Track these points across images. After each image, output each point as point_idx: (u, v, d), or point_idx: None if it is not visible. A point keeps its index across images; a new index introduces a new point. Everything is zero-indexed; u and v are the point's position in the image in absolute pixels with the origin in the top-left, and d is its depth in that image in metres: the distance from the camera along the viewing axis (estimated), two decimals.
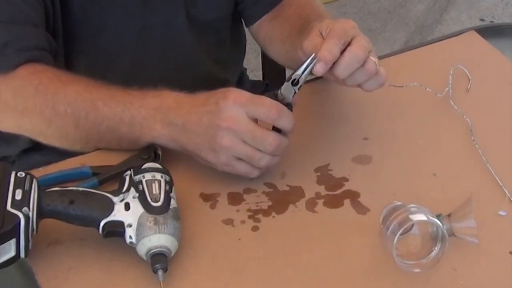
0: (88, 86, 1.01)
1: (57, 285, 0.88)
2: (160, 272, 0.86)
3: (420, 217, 0.88)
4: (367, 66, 0.97)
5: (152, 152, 0.99)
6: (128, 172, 0.93)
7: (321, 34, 0.99)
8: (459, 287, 0.89)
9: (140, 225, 0.88)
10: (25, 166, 0.99)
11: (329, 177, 1.03)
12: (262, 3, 1.26)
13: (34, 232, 0.87)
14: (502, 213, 0.98)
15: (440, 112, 1.13)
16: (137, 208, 0.89)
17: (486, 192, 1.00)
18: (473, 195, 0.91)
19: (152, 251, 0.87)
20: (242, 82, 1.41)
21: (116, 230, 0.88)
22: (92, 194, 0.91)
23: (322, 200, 0.99)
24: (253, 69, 1.97)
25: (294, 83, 0.96)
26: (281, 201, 0.99)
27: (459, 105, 1.12)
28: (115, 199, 0.90)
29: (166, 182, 0.92)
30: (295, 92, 0.97)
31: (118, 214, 0.89)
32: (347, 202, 0.99)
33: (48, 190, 0.89)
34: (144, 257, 0.88)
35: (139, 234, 0.87)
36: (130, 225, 0.88)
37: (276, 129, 0.96)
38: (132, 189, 0.91)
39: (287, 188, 1.01)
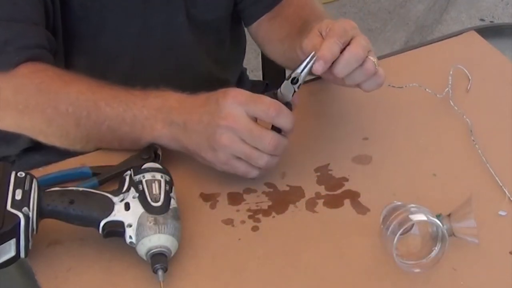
0: (90, 86, 1.02)
1: (57, 285, 0.88)
2: (160, 272, 0.86)
3: (420, 217, 0.88)
4: (366, 66, 0.97)
5: (152, 152, 0.99)
6: (128, 172, 0.93)
7: (321, 34, 0.99)
8: (459, 287, 0.89)
9: (140, 225, 0.88)
10: (25, 166, 0.99)
11: (329, 177, 1.03)
12: (261, 3, 1.26)
13: (34, 232, 0.87)
14: (502, 213, 0.98)
15: (440, 112, 1.13)
16: (137, 208, 0.89)
17: (486, 192, 1.00)
18: (473, 195, 0.91)
19: (152, 251, 0.87)
20: (242, 82, 1.42)
21: (116, 230, 0.88)
22: (92, 194, 0.91)
23: (322, 200, 0.99)
24: (253, 69, 1.97)
25: (294, 81, 0.96)
26: (281, 201, 0.99)
27: (459, 105, 1.12)
28: (115, 199, 0.90)
29: (166, 182, 0.92)
30: (294, 91, 0.96)
31: (118, 214, 0.89)
32: (347, 202, 0.99)
33: (48, 190, 0.89)
34: (144, 257, 0.88)
35: (139, 234, 0.87)
36: (130, 225, 0.88)
37: (276, 129, 0.96)
38: (132, 189, 0.91)
39: (287, 188, 1.01)
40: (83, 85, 1.02)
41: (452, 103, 1.13)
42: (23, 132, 1.05)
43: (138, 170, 0.93)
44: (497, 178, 1.02)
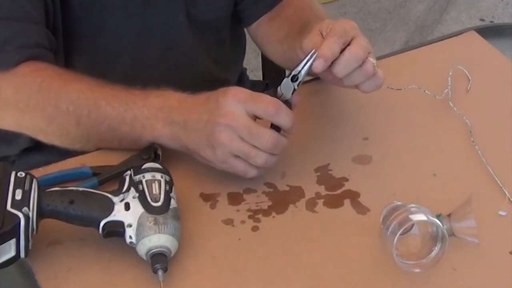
0: (91, 85, 1.02)
1: (57, 285, 0.88)
2: (160, 272, 0.86)
3: (420, 217, 0.88)
4: (365, 67, 0.97)
5: (152, 152, 0.99)
6: (128, 172, 0.93)
7: (321, 34, 0.99)
8: (459, 287, 0.89)
9: (140, 225, 0.88)
10: (25, 166, 0.99)
11: (329, 177, 1.03)
12: (261, 3, 1.26)
13: (34, 232, 0.87)
14: (502, 213, 0.98)
15: (439, 113, 1.13)
16: (137, 208, 0.89)
17: (486, 192, 1.00)
18: (473, 195, 0.91)
19: (152, 251, 0.87)
20: (242, 82, 1.42)
21: (116, 230, 0.88)
22: (92, 194, 0.91)
23: (322, 200, 0.99)
24: (253, 69, 1.97)
25: (294, 79, 0.96)
26: (281, 201, 0.99)
27: (459, 106, 1.12)
28: (115, 199, 0.90)
29: (166, 182, 0.92)
30: (294, 89, 0.96)
31: (118, 214, 0.89)
32: (347, 202, 0.99)
33: (48, 190, 0.89)
34: (144, 257, 0.88)
35: (139, 234, 0.87)
36: (130, 225, 0.88)
37: (275, 128, 0.96)
38: (132, 189, 0.91)
39: (287, 188, 1.01)
40: (84, 84, 1.02)
41: (451, 104, 1.13)
42: (24, 131, 1.05)
43: (138, 170, 0.93)
44: (497, 178, 1.02)
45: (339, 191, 1.01)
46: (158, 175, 0.92)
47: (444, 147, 1.08)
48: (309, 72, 0.97)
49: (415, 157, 1.06)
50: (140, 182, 0.91)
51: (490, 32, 1.30)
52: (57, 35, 1.12)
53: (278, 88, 0.96)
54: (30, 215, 0.85)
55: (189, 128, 0.96)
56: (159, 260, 0.87)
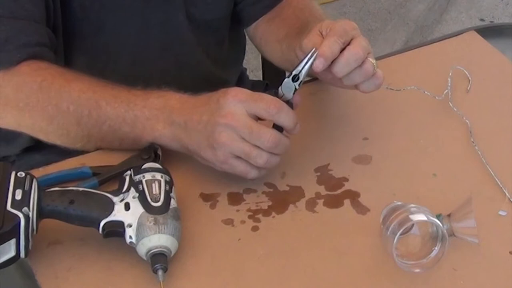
0: (92, 85, 1.02)
1: (57, 285, 0.88)
2: (160, 272, 0.86)
3: (420, 217, 0.88)
4: (364, 67, 0.97)
5: (152, 152, 0.99)
6: (128, 172, 0.93)
7: (321, 34, 0.99)
8: (459, 287, 0.89)
9: (140, 225, 0.88)
10: (25, 166, 0.99)
11: (329, 177, 1.03)
12: (260, 3, 1.26)
13: (34, 232, 0.87)
14: (502, 213, 0.98)
15: (439, 113, 1.13)
16: (137, 208, 0.89)
17: (486, 192, 1.00)
18: (473, 195, 0.91)
19: (152, 251, 0.87)
20: (242, 82, 1.42)
21: (116, 230, 0.88)
22: (92, 194, 0.91)
23: (322, 200, 0.99)
24: (253, 69, 1.97)
25: (295, 79, 0.96)
26: (281, 201, 0.99)
27: (459, 106, 1.12)
28: (115, 199, 0.90)
29: (166, 182, 0.92)
30: (295, 89, 0.96)
31: (118, 214, 0.89)
32: (347, 202, 0.99)
33: (48, 190, 0.89)
34: (144, 257, 0.88)
35: (139, 234, 0.87)
36: (130, 225, 0.88)
37: (277, 128, 0.96)
38: (132, 189, 0.91)
39: (287, 188, 1.01)
40: (85, 83, 1.02)
41: (451, 105, 1.13)
42: (23, 130, 1.05)
43: (138, 170, 0.93)
44: (497, 179, 1.02)
45: (339, 191, 1.01)
46: (158, 175, 0.92)
47: (444, 147, 1.08)
48: (309, 73, 0.97)
49: (415, 157, 1.06)
50: (140, 182, 0.91)
51: (490, 32, 1.30)
52: (57, 34, 1.12)
53: (279, 88, 0.96)
54: (30, 215, 0.85)
55: (190, 128, 0.96)
56: (159, 260, 0.87)
